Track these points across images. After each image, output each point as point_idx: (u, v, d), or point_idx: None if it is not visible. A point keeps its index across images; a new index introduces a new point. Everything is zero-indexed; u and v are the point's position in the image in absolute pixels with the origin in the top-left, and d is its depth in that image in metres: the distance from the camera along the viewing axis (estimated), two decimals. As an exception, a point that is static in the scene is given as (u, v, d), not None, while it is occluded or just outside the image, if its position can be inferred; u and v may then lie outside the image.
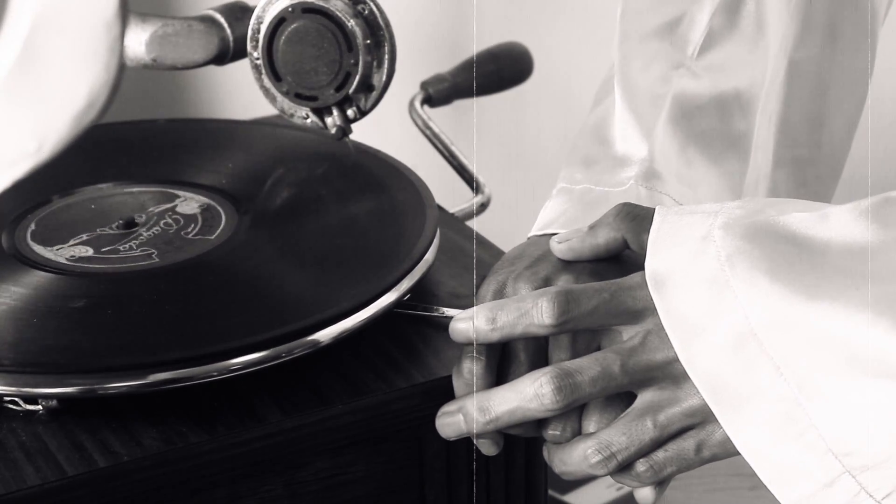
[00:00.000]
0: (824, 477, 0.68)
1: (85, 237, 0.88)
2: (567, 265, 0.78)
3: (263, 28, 0.89)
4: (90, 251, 0.87)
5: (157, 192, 0.94)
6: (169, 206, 0.92)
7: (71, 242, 0.88)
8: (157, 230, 0.89)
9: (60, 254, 0.86)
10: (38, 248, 0.87)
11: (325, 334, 0.79)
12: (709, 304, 0.70)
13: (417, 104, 1.07)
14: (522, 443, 0.83)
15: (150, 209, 0.92)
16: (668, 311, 0.71)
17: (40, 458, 0.73)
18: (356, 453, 0.80)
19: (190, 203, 0.92)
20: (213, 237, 0.88)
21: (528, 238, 0.84)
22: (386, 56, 0.89)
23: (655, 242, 0.73)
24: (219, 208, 0.91)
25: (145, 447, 0.74)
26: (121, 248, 0.87)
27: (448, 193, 1.03)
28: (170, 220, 0.90)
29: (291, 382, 0.78)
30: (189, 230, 0.89)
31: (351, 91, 0.89)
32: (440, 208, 0.96)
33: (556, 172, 0.89)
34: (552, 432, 0.75)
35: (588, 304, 0.72)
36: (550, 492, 1.23)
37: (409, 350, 0.82)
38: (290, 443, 0.76)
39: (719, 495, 1.29)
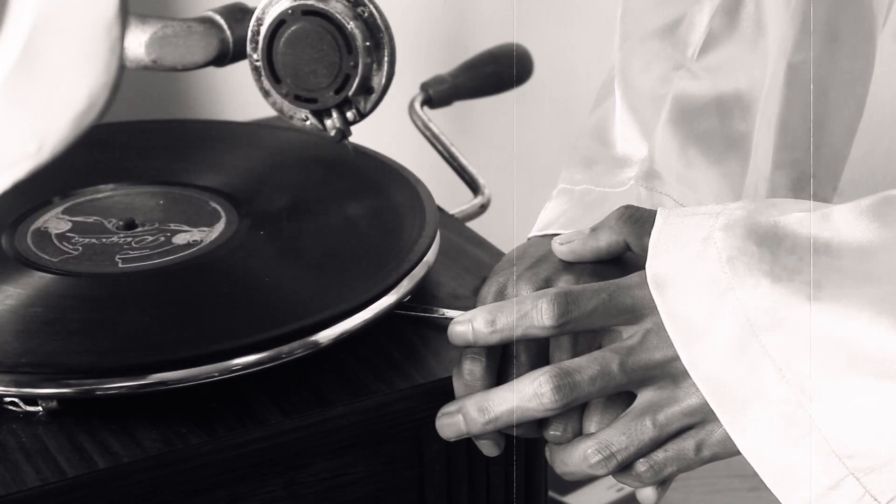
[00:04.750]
0: (828, 480, 0.68)
1: (85, 238, 0.88)
2: (568, 266, 0.78)
3: (263, 30, 0.89)
4: (90, 251, 0.87)
5: (158, 193, 0.94)
6: (169, 206, 0.92)
7: (71, 243, 0.88)
8: (157, 231, 0.89)
9: (60, 253, 0.86)
10: (38, 249, 0.87)
11: (326, 335, 0.79)
12: (710, 305, 0.70)
13: (417, 105, 1.07)
14: (522, 444, 0.83)
15: (151, 210, 0.92)
16: (669, 314, 0.71)
17: (40, 459, 0.73)
18: (356, 454, 0.80)
19: (190, 203, 0.92)
20: (212, 238, 0.88)
21: (529, 239, 0.84)
22: (386, 58, 0.89)
23: (657, 244, 0.73)
24: (219, 209, 0.91)
25: (145, 448, 0.73)
26: (121, 248, 0.87)
27: (448, 195, 1.03)
28: (170, 221, 0.90)
29: (291, 383, 0.78)
30: (189, 231, 0.89)
31: (350, 93, 0.89)
32: (440, 209, 0.96)
33: (556, 173, 0.89)
34: (553, 433, 0.75)
35: (587, 304, 0.72)
36: (550, 493, 1.23)
37: (410, 351, 0.82)
38: (290, 444, 0.76)
39: (719, 497, 1.28)
